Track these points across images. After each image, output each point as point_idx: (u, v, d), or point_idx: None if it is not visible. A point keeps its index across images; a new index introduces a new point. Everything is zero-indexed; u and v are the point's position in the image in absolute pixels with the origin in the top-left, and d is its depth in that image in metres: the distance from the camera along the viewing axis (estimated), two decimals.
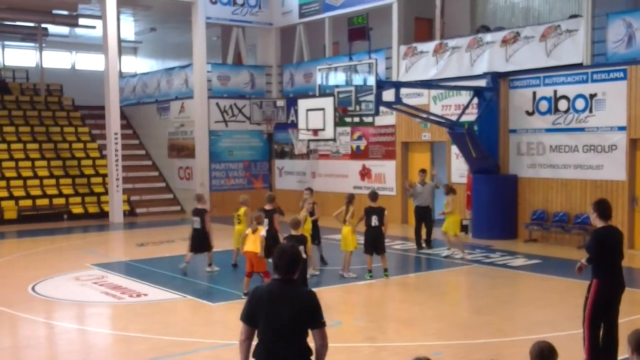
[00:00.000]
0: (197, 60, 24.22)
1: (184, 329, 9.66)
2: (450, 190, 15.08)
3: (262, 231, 11.23)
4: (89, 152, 26.03)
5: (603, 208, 7.21)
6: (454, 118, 17.95)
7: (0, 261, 15.47)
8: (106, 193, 23.46)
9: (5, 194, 22.78)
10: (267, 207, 12.67)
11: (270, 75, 25.92)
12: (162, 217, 23.96)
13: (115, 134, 22.73)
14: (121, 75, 27.31)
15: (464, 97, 18.34)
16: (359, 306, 11.31)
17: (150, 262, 14.95)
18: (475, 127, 17.60)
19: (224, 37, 27.11)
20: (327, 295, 11.12)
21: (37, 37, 28.19)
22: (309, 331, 4.56)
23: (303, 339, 4.52)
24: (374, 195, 12.79)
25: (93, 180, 24.69)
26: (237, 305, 10.61)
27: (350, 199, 13.05)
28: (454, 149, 18.64)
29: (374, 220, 12.45)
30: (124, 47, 30.21)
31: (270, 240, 11.51)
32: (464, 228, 18.35)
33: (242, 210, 13.76)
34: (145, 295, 11.74)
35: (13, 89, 28.41)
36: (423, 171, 16.71)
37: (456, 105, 18.81)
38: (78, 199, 23.75)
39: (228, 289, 12.08)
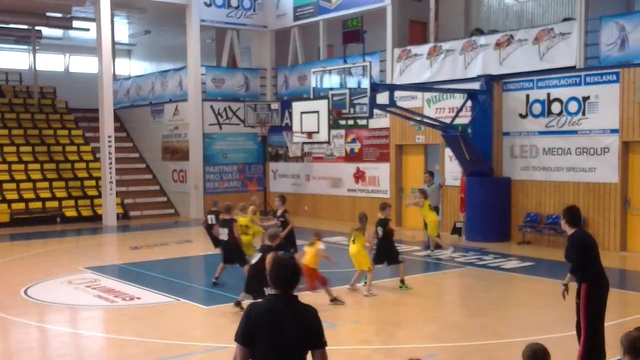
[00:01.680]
0: (192, 62, 24.21)
1: (177, 332, 9.63)
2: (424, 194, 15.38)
3: (320, 245, 11.28)
4: (82, 155, 25.96)
5: (572, 214, 7.36)
6: (447, 121, 17.99)
7: None
8: (99, 196, 23.40)
9: None
10: (226, 216, 12.53)
11: (265, 78, 25.93)
12: (156, 220, 23.90)
13: (109, 136, 22.67)
14: (115, 77, 27.22)
15: (458, 100, 18.38)
16: (354, 308, 11.30)
17: (143, 266, 14.91)
18: (469, 130, 17.63)
19: (219, 40, 27.09)
20: (322, 297, 11.12)
21: (30, 39, 28.11)
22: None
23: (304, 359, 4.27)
24: (381, 206, 12.50)
25: (86, 183, 24.63)
26: (231, 309, 10.66)
27: (361, 218, 12.45)
28: (448, 152, 18.67)
29: (379, 232, 12.31)
30: (118, 50, 30.13)
31: (231, 249, 12.11)
32: (457, 230, 18.42)
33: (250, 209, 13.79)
34: (139, 298, 11.70)
35: (6, 91, 28.34)
36: (429, 173, 16.97)
37: (450, 108, 18.84)
38: (71, 202, 23.68)
39: (221, 292, 12.07)
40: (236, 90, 25.35)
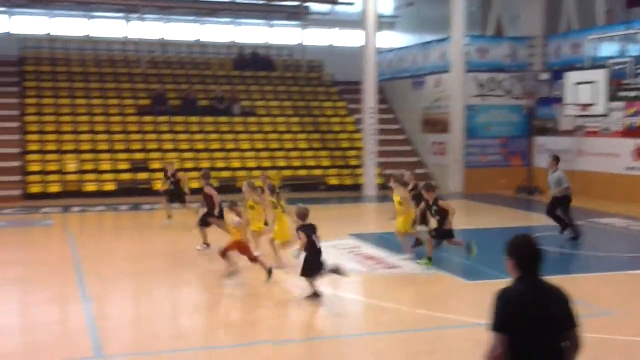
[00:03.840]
0: (455, 33, 23.49)
1: (435, 304, 9.31)
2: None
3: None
4: (345, 126, 26.68)
5: None
6: None
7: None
8: (361, 166, 23.83)
9: (269, 164, 24.17)
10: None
11: (534, 47, 24.28)
12: None
13: (371, 108, 22.93)
14: (378, 50, 27.47)
15: None
16: (627, 296, 9.95)
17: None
18: None
19: (484, 8, 26.03)
20: (586, 282, 10.05)
21: (300, 15, 29.44)
22: None
23: (562, 341, 4.06)
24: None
25: (349, 153, 25.25)
26: (492, 285, 9.99)
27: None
28: None
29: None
30: (381, 22, 30.38)
31: None
32: None
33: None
34: (399, 267, 11.52)
35: (278, 65, 30.01)
36: (554, 157, 14.42)
37: None
38: (334, 171, 24.44)
39: (485, 268, 11.44)
40: (502, 60, 24.16)
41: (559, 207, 14.02)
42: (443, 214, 11.43)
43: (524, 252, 4.03)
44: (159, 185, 18.07)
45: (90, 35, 28.67)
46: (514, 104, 23.67)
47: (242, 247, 10.35)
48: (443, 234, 11.55)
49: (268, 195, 11.88)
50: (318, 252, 9.36)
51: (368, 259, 12.09)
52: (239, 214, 10.46)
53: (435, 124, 24.98)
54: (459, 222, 17.19)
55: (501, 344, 3.91)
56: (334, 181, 24.03)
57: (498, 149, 24.09)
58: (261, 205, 11.86)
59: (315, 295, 9.35)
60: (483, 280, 10.62)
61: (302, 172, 24.12)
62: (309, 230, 9.39)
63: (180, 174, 17.03)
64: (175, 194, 16.47)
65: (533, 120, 23.71)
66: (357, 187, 23.65)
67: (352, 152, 25.12)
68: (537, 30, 24.28)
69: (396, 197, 12.15)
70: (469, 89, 23.65)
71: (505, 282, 4.12)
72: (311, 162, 24.63)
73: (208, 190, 13.08)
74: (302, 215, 9.54)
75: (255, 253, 10.72)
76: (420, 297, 9.90)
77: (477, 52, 23.99)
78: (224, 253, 10.32)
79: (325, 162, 24.74)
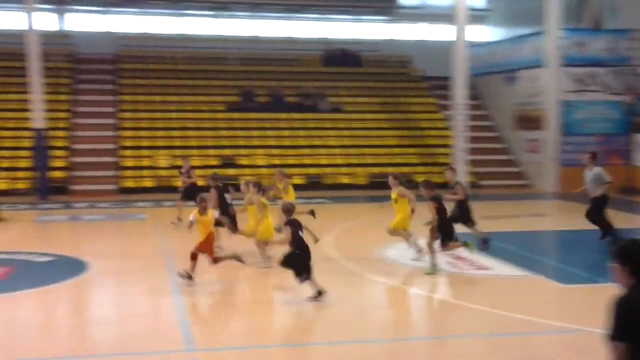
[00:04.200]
0: (550, 26, 22.70)
1: (527, 308, 8.95)
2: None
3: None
4: (435, 122, 26.21)
5: None
6: None
7: (352, 223, 16.24)
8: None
9: (357, 160, 24.04)
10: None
11: (635, 40, 23.16)
12: (506, 191, 23.06)
13: (461, 104, 22.41)
14: (469, 44, 26.84)
15: None
16: None
17: (495, 236, 14.22)
18: None
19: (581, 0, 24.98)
20: None
21: (389, 10, 29.12)
22: None
23: None
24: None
25: (438, 150, 24.80)
26: (587, 289, 9.57)
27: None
28: None
29: None
30: (473, 16, 29.65)
31: None
32: None
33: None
34: (490, 269, 11.16)
35: (366, 61, 29.79)
36: (591, 154, 13.16)
37: None
38: (422, 169, 24.06)
39: (581, 271, 10.96)
40: (600, 54, 23.15)
41: (600, 210, 12.87)
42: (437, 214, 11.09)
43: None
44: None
45: (182, 33, 29.36)
46: (613, 99, 22.67)
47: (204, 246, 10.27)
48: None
49: (255, 194, 11.53)
50: (307, 252, 9.06)
51: (458, 260, 11.75)
52: (203, 210, 10.19)
53: (529, 121, 24.20)
54: (552, 223, 16.68)
55: (623, 352, 3.76)
56: (422, 179, 23.61)
57: (596, 147, 23.07)
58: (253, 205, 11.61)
59: (319, 294, 9.02)
60: (578, 284, 10.24)
61: (390, 170, 23.81)
62: (295, 225, 9.16)
63: (193, 172, 16.38)
64: (189, 192, 15.56)
65: (633, 116, 22.60)
66: (446, 186, 23.15)
67: (442, 150, 24.66)
68: (638, 22, 23.13)
69: (393, 195, 11.89)
70: (565, 84, 22.78)
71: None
72: (399, 160, 24.36)
73: (212, 192, 12.48)
74: (288, 210, 9.37)
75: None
76: (512, 300, 9.52)
77: (574, 46, 23.09)
78: (194, 255, 10.15)
79: (414, 160, 24.41)
